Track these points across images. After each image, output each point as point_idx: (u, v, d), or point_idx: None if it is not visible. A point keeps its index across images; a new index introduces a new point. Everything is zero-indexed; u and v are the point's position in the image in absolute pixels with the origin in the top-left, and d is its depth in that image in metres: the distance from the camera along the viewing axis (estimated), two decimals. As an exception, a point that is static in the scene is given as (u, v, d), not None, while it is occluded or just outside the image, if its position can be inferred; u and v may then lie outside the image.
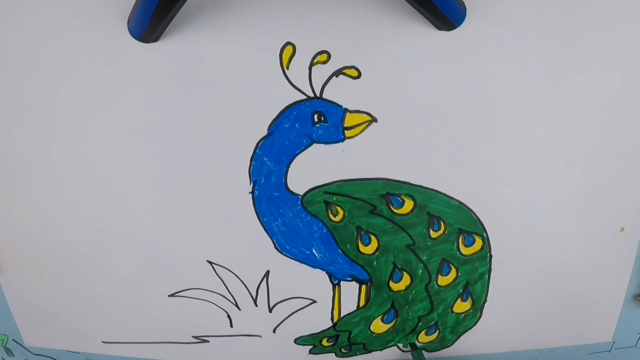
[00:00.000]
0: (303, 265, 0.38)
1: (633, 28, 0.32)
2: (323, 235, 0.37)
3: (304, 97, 0.33)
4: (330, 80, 0.33)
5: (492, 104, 0.34)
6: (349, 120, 0.34)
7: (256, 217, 0.37)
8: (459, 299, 0.40)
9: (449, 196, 0.36)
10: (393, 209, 0.37)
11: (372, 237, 0.38)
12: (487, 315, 0.41)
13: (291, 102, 0.34)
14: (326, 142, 0.35)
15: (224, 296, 0.39)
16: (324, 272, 0.38)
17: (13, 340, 0.44)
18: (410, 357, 0.42)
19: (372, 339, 0.42)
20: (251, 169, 0.35)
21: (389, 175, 0.36)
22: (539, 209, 0.37)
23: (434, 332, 0.42)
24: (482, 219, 0.37)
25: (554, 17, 0.32)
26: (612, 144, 0.35)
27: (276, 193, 0.36)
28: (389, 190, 0.36)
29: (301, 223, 0.37)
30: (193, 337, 0.41)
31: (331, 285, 0.39)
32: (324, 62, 0.33)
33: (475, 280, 0.39)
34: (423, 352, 0.41)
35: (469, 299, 0.40)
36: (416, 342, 0.41)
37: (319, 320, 0.41)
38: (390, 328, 0.41)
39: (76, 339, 0.43)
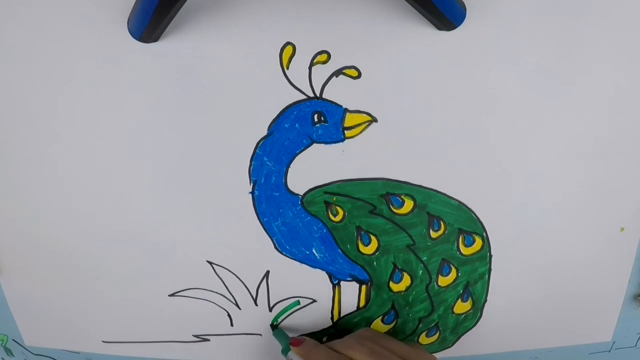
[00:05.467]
0: (303, 265, 0.38)
1: (634, 28, 0.32)
2: (323, 235, 0.37)
3: (304, 97, 0.33)
4: (330, 80, 0.33)
5: (492, 104, 0.34)
6: (349, 120, 0.34)
7: (256, 217, 0.37)
8: (459, 300, 0.40)
9: (449, 196, 0.36)
10: (393, 209, 0.37)
11: (372, 237, 0.38)
12: (487, 315, 0.41)
13: (291, 102, 0.34)
14: (326, 142, 0.35)
15: (224, 296, 0.39)
16: (324, 272, 0.39)
17: (13, 340, 0.44)
18: None
19: (372, 339, 0.42)
20: (251, 169, 0.35)
21: (389, 175, 0.36)
22: (539, 208, 0.37)
23: (435, 334, 0.42)
24: (482, 219, 0.37)
25: (555, 17, 0.32)
26: (613, 144, 0.35)
27: (276, 193, 0.36)
28: (389, 190, 0.36)
29: (301, 223, 0.37)
30: (194, 336, 0.41)
31: (331, 285, 0.39)
32: (324, 62, 0.33)
33: (475, 281, 0.39)
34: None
35: (469, 299, 0.40)
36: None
37: (319, 319, 0.41)
38: (390, 329, 0.41)
39: (76, 339, 0.43)
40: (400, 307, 0.40)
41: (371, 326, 0.41)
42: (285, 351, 0.38)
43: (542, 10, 0.32)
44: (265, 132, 0.34)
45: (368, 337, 0.36)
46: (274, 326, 0.40)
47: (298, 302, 0.39)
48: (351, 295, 0.39)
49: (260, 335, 0.41)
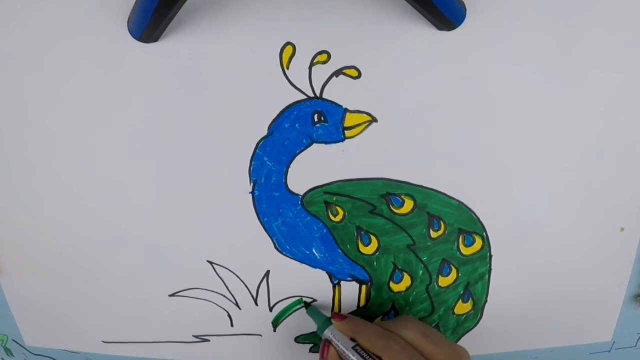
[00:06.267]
0: (303, 265, 0.38)
1: (634, 28, 0.32)
2: (323, 235, 0.37)
3: (304, 97, 0.33)
4: (330, 80, 0.33)
5: (492, 104, 0.34)
6: (349, 120, 0.34)
7: (256, 217, 0.37)
8: (460, 300, 0.40)
9: (449, 196, 0.36)
10: (393, 209, 0.37)
11: (372, 237, 0.38)
12: (488, 315, 0.41)
13: (291, 102, 0.34)
14: (326, 142, 0.35)
15: (224, 296, 0.39)
16: (324, 272, 0.39)
17: (13, 340, 0.44)
18: None
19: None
20: (251, 169, 0.35)
21: (389, 175, 0.36)
22: (539, 208, 0.37)
23: (435, 333, 0.42)
24: (481, 219, 0.37)
25: (555, 17, 0.32)
26: (613, 144, 0.35)
27: (276, 193, 0.36)
28: (389, 190, 0.36)
29: (301, 223, 0.37)
30: (194, 336, 0.41)
31: (331, 285, 0.39)
32: (324, 62, 0.33)
33: (475, 281, 0.39)
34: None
35: (470, 299, 0.40)
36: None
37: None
38: (390, 328, 0.41)
39: (76, 339, 0.43)
40: (400, 307, 0.40)
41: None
42: (322, 329, 0.36)
43: (542, 10, 0.32)
44: (265, 132, 0.34)
45: (417, 320, 0.35)
46: (307, 304, 0.40)
47: (300, 301, 0.39)
48: (351, 295, 0.39)
49: (261, 335, 0.41)
